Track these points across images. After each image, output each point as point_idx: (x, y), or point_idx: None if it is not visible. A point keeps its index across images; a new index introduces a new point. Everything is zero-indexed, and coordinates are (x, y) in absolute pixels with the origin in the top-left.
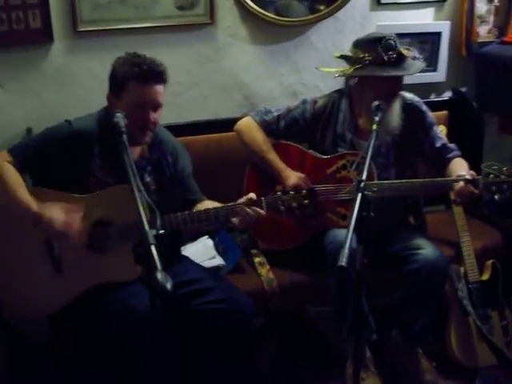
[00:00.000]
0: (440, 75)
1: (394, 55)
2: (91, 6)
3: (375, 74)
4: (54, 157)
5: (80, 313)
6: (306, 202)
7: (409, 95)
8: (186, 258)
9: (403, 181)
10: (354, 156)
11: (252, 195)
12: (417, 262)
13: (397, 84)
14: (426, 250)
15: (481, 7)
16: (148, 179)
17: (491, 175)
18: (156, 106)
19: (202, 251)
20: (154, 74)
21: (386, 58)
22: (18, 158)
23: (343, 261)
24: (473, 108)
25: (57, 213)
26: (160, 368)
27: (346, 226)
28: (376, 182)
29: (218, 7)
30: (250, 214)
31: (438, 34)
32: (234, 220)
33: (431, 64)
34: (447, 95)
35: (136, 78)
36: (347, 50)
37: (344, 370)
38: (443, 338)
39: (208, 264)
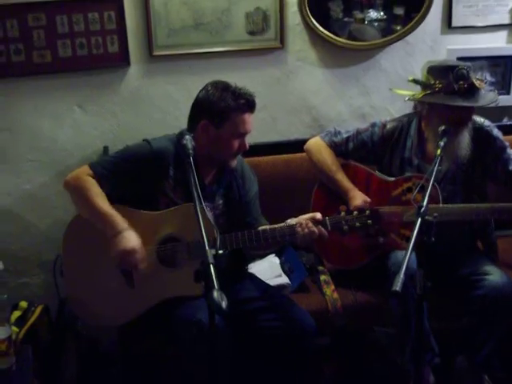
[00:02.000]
0: None
1: (465, 85)
2: (166, 32)
3: (443, 102)
4: (131, 174)
5: (148, 324)
6: (370, 222)
7: (479, 119)
8: (252, 275)
9: (466, 205)
10: (420, 179)
11: (317, 215)
12: (483, 288)
13: (466, 114)
14: (493, 275)
15: None
16: (220, 202)
17: None
18: (250, 132)
19: (268, 269)
20: (254, 103)
21: (456, 87)
22: (98, 173)
23: (398, 286)
24: None
25: (131, 240)
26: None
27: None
28: (437, 205)
29: (288, 32)
30: (313, 232)
31: (511, 58)
32: (297, 238)
33: (504, 87)
34: None
35: (241, 109)
36: (418, 73)
37: None
38: (511, 365)
39: (273, 282)
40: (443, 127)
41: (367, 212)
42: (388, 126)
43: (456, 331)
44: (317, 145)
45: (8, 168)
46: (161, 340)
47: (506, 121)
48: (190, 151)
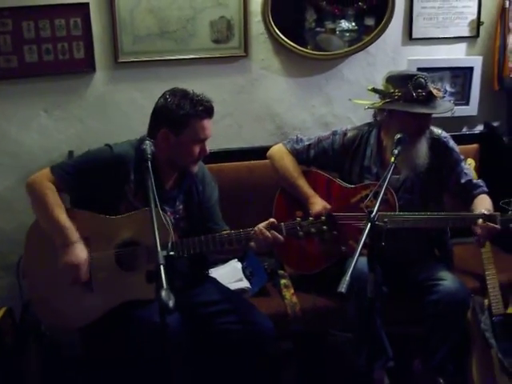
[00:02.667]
0: (472, 109)
1: (423, 93)
2: (131, 39)
3: (403, 109)
4: (92, 178)
5: (110, 327)
6: (325, 228)
7: (437, 130)
8: (213, 279)
9: (422, 213)
10: (379, 187)
11: (272, 220)
12: (437, 293)
13: (424, 122)
14: (447, 281)
15: None
16: (180, 207)
17: (510, 212)
18: (209, 138)
19: (229, 273)
20: (212, 109)
21: (415, 95)
22: (59, 176)
23: (343, 287)
24: (503, 142)
25: (78, 256)
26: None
27: (366, 254)
28: (388, 213)
29: (252, 41)
30: (267, 237)
31: (470, 69)
32: (252, 243)
33: (463, 98)
34: (479, 129)
35: (200, 116)
36: (379, 83)
37: None
38: (465, 369)
39: (234, 286)
40: (399, 135)
41: (322, 218)
42: (349, 135)
43: (412, 336)
44: (279, 151)
45: None
46: (121, 342)
47: (465, 130)
48: (149, 156)
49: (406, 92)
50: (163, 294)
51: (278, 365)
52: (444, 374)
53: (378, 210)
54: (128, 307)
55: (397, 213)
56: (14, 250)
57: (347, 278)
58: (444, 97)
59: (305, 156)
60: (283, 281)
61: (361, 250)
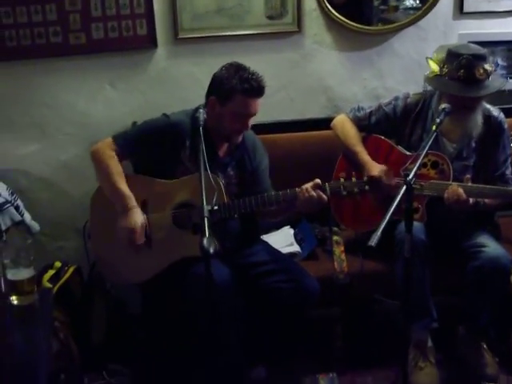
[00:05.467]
0: None
1: (466, 74)
2: (191, 16)
3: (439, 88)
4: (150, 144)
5: (167, 284)
6: (367, 188)
7: (495, 112)
8: (263, 242)
9: (473, 185)
10: (436, 156)
11: (317, 180)
12: (479, 259)
13: (468, 102)
14: (489, 247)
15: None
16: (231, 173)
17: None
18: (254, 115)
19: (281, 239)
20: (260, 90)
21: (458, 75)
22: (121, 145)
23: (373, 241)
24: None
25: (135, 221)
26: (231, 334)
27: (417, 220)
28: (438, 182)
29: (305, 17)
30: (312, 196)
31: None
32: (298, 203)
33: None
34: None
35: (244, 93)
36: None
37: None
38: (509, 336)
39: (286, 250)
40: (443, 106)
41: (365, 178)
42: (411, 98)
43: (457, 305)
44: (341, 120)
45: (46, 140)
46: (178, 300)
47: None
48: (201, 122)
49: (451, 70)
50: (205, 241)
51: (325, 330)
52: (487, 339)
53: (415, 174)
54: (185, 265)
55: (445, 182)
56: (83, 214)
57: (378, 233)
58: (488, 76)
59: (366, 122)
60: (336, 237)
61: (392, 209)
